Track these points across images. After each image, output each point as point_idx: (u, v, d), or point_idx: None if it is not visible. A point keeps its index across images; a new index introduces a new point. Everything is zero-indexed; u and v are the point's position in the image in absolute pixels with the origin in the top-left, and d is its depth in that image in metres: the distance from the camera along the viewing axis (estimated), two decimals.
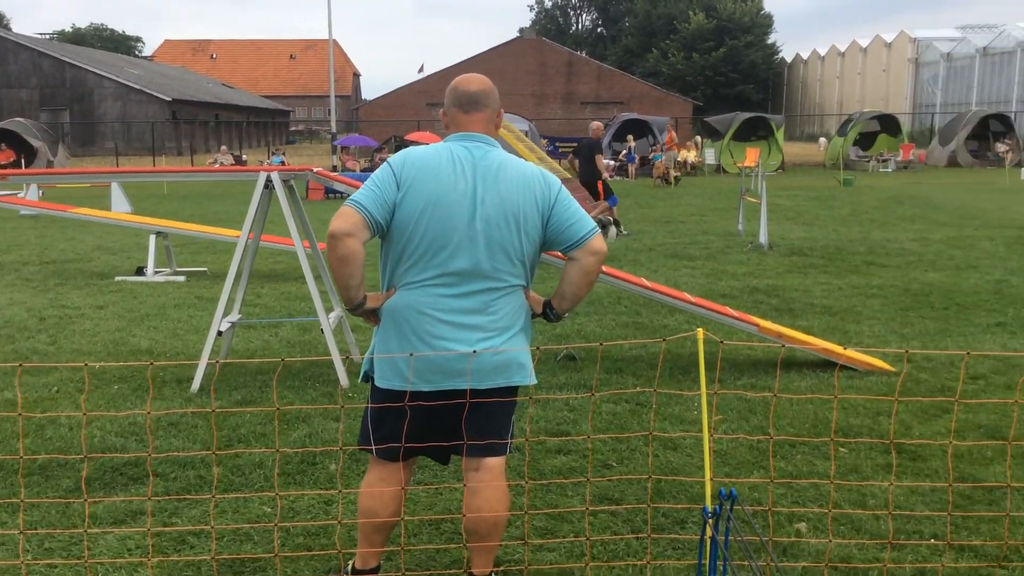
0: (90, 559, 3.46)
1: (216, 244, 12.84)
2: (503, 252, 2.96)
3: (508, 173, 2.98)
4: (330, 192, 21.24)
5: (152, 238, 10.28)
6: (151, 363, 5.05)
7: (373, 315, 3.05)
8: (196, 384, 5.65)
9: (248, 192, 6.15)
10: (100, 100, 41.94)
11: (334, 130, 33.58)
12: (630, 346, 6.60)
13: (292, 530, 3.72)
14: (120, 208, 17.35)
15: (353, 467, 4.38)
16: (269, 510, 3.93)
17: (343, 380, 5.73)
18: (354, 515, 3.81)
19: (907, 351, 6.12)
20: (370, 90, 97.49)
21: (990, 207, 16.91)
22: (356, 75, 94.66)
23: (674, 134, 28.72)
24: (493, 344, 2.97)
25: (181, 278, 9.97)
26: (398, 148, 30.97)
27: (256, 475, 4.30)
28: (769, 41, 65.92)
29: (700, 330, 3.10)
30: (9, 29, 61.11)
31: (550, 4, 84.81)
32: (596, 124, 14.87)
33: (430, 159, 2.96)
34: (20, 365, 4.90)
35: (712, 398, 5.12)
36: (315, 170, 6.21)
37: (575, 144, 32.85)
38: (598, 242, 3.02)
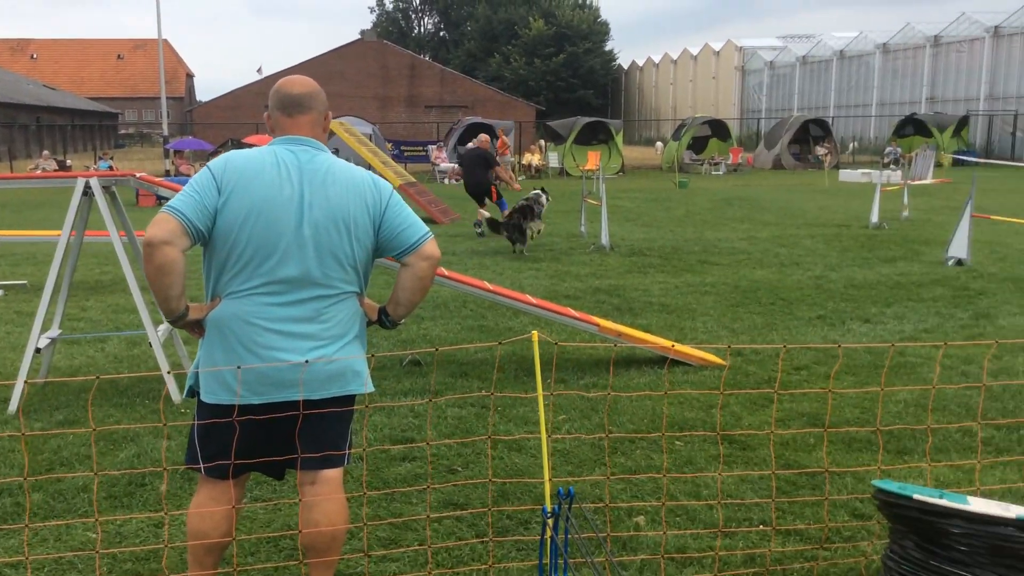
0: None
1: (37, 256, 12.06)
2: (334, 258, 2.89)
3: (337, 178, 2.91)
4: (162, 198, 20.26)
5: None
6: None
7: (197, 327, 2.92)
8: (13, 405, 5.26)
9: (67, 199, 5.78)
10: None
11: (166, 133, 32.15)
12: (475, 350, 6.62)
13: (119, 556, 3.51)
14: None
15: (185, 487, 4.19)
16: (94, 535, 3.70)
17: (175, 396, 5.48)
18: (184, 537, 3.65)
19: (729, 346, 6.43)
20: (205, 92, 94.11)
21: (811, 207, 18.02)
22: (189, 76, 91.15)
23: (506, 139, 29.04)
24: (326, 353, 2.89)
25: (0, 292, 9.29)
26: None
27: (80, 500, 4.05)
28: (607, 48, 68.04)
29: (535, 333, 3.14)
30: None
31: (391, 7, 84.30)
32: (484, 136, 15.54)
33: (253, 163, 2.86)
34: None
35: (550, 399, 5.20)
36: (138, 175, 5.90)
37: (421, 148, 32.88)
38: (431, 247, 2.99)
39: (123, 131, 68.29)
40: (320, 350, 2.88)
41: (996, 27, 35.93)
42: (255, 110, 41.55)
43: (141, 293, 5.63)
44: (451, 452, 4.62)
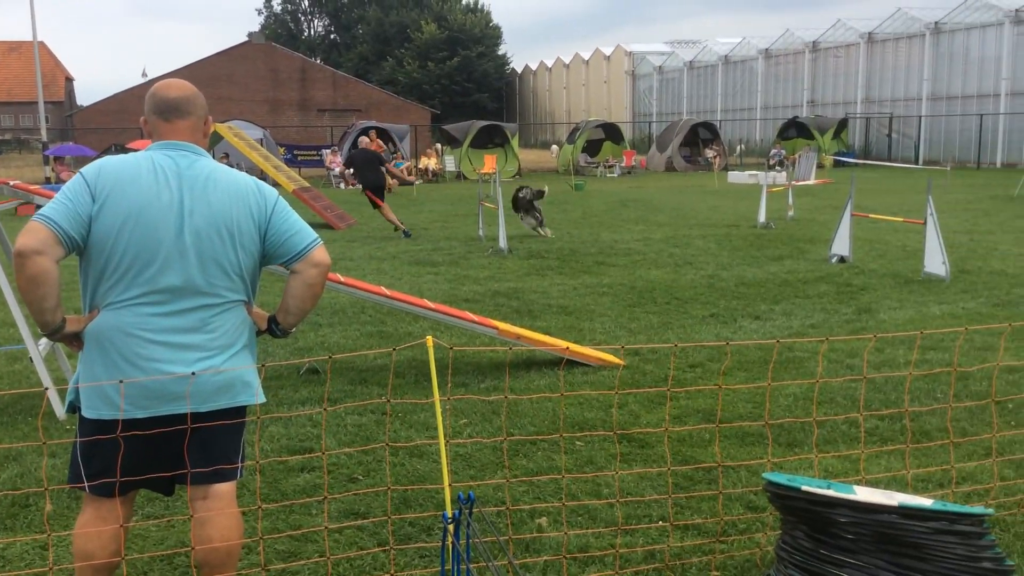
0: None
1: None
2: (218, 266, 2.82)
3: (219, 184, 2.84)
4: (40, 207, 19.34)
5: None
6: None
7: (75, 340, 2.81)
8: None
9: None
10: None
11: (45, 139, 30.75)
12: (374, 356, 6.56)
13: None
14: None
15: (72, 506, 4.01)
16: None
17: (59, 412, 5.24)
18: (72, 559, 3.50)
19: (623, 347, 6.55)
20: (86, 95, 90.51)
21: (702, 208, 18.53)
22: (69, 79, 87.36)
23: (379, 141, 28.85)
24: (214, 364, 2.81)
25: None
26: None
27: None
28: (500, 52, 68.39)
29: (429, 338, 3.12)
30: None
31: (280, 9, 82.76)
32: (370, 135, 17.33)
33: (128, 168, 2.76)
34: None
35: (449, 404, 5.20)
36: (11, 183, 5.63)
37: (315, 152, 32.35)
38: (320, 254, 2.95)
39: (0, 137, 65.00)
40: (207, 361, 2.80)
41: (870, 33, 37.72)
42: (139, 114, 40.14)
43: (19, 306, 5.37)
44: (351, 461, 4.56)
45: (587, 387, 5.70)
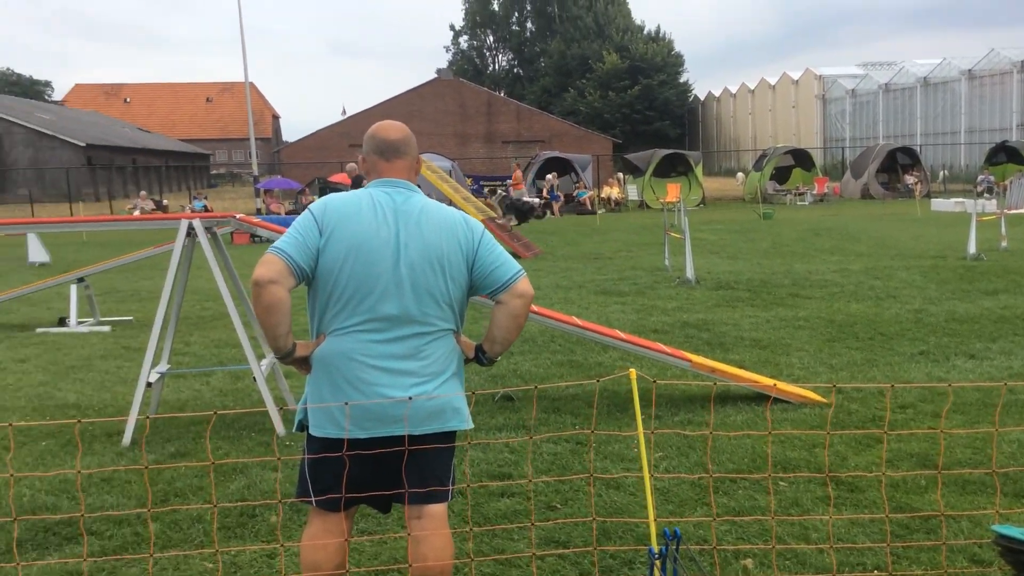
0: None
1: (141, 292, 12.57)
2: (430, 297, 2.96)
3: (431, 218, 3.00)
4: (255, 237, 20.84)
5: (73, 287, 9.97)
6: (79, 420, 4.85)
7: (304, 363, 3.02)
8: (127, 438, 5.48)
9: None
10: (11, 147, 40.67)
11: (256, 173, 33.17)
12: (566, 385, 6.64)
13: None
14: (38, 258, 16.82)
15: (295, 518, 4.29)
16: (211, 566, 3.82)
17: (279, 428, 5.62)
18: (298, 568, 3.74)
19: (834, 385, 6.29)
20: (290, 132, 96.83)
21: (904, 237, 17.57)
22: (275, 117, 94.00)
23: (519, 173, 29.09)
24: (426, 389, 2.95)
25: (106, 328, 9.69)
26: (322, 190, 30.77)
27: (195, 530, 4.18)
28: (681, 79, 67.84)
29: (632, 371, 3.15)
30: None
31: (466, 46, 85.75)
32: (351, 165, 17.82)
33: (350, 205, 2.96)
34: None
35: (650, 437, 5.17)
36: (238, 216, 6.12)
37: (500, 183, 33.21)
38: (524, 285, 3.04)
39: (214, 171, 70.67)
40: (420, 387, 2.95)
41: None
42: (339, 150, 42.65)
43: (244, 329, 5.82)
44: (549, 489, 4.63)
45: (788, 425, 5.53)
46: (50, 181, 39.98)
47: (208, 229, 5.81)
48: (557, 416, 5.94)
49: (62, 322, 9.92)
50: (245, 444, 5.46)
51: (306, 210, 3.00)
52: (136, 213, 26.57)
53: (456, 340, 3.09)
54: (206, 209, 28.09)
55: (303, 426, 3.06)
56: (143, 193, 31.60)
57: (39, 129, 41.32)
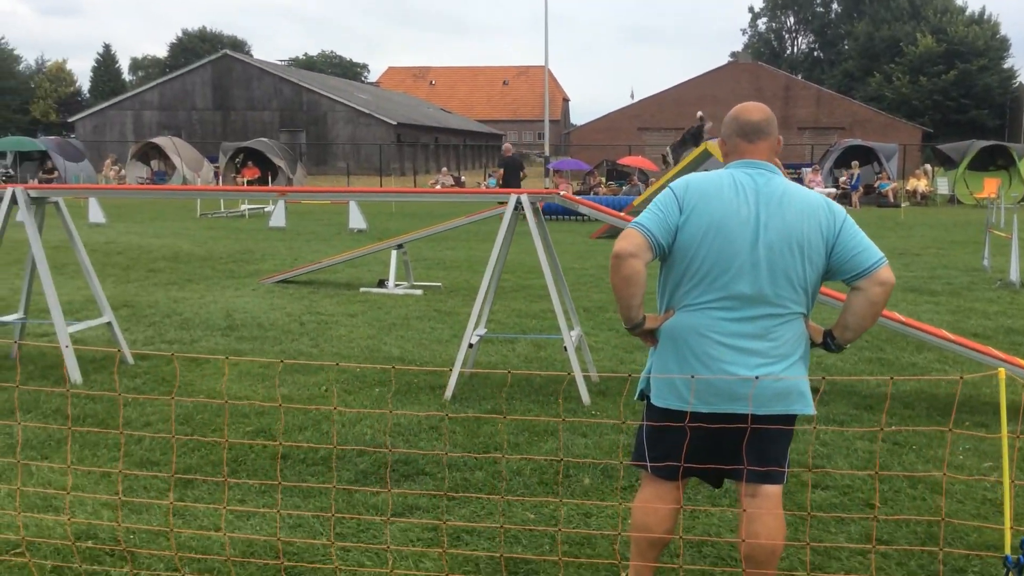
0: (379, 545, 3.74)
1: (445, 260, 13.49)
2: (786, 279, 2.96)
3: (792, 201, 2.98)
4: (563, 214, 21.47)
5: (393, 253, 10.90)
6: (409, 368, 5.35)
7: (650, 335, 3.12)
8: (449, 392, 5.95)
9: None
10: (333, 123, 45.02)
11: (547, 154, 34.25)
12: (876, 383, 6.34)
13: (557, 536, 3.85)
14: (356, 225, 18.53)
15: (605, 483, 4.47)
16: (532, 516, 4.09)
17: (585, 398, 5.85)
18: (611, 526, 3.91)
19: None
20: (577, 114, 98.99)
21: None
22: (565, 100, 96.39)
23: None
24: (773, 371, 2.96)
25: (418, 292, 10.52)
26: (609, 172, 31.23)
27: (516, 482, 4.49)
28: (1005, 66, 61.39)
29: (1001, 370, 2.96)
30: (250, 55, 66.64)
31: (764, 28, 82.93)
32: (507, 146, 21.26)
33: (711, 185, 3.01)
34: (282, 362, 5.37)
35: (1014, 441, 4.83)
36: (561, 193, 6.41)
37: (793, 170, 31.96)
38: (886, 273, 2.96)
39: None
40: (767, 367, 2.96)
41: None
42: (628, 133, 43.06)
43: (560, 300, 6.11)
44: (865, 486, 4.47)
45: None
46: (364, 156, 43.84)
47: (533, 204, 6.14)
48: (870, 413, 5.70)
49: (381, 284, 10.89)
50: (553, 409, 5.74)
51: (667, 188, 3.10)
52: (438, 187, 28.41)
53: (805, 324, 3.07)
54: (497, 185, 29.48)
55: (644, 395, 3.19)
56: (444, 169, 33.76)
57: (358, 108, 45.37)
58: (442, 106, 73.87)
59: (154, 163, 34.43)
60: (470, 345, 6.08)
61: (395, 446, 4.99)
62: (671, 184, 3.12)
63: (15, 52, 73.38)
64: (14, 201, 6.32)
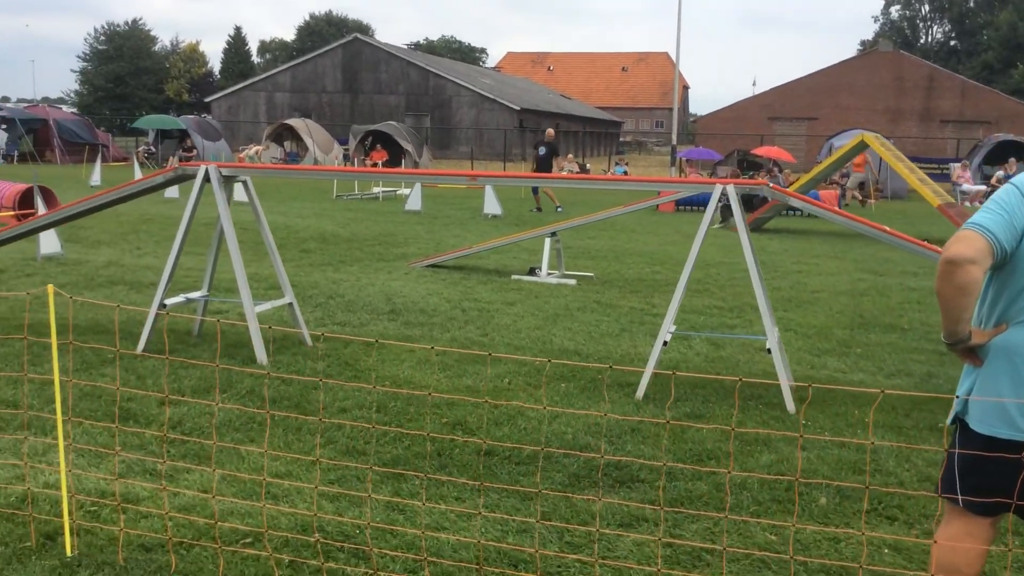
0: (612, 560, 3.50)
1: (590, 250, 13.20)
2: None
3: None
4: (681, 204, 21.03)
5: (547, 241, 10.68)
6: (610, 367, 5.11)
7: (973, 353, 2.76)
8: (641, 391, 5.67)
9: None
10: (458, 107, 45.22)
11: (675, 142, 33.55)
12: None
13: (810, 565, 3.53)
14: (492, 210, 18.44)
15: (843, 504, 4.12)
16: (773, 537, 3.77)
17: (790, 405, 5.49)
18: (881, 562, 3.56)
19: None
20: (696, 103, 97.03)
21: None
22: (685, 88, 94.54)
23: (867, 156, 25.11)
24: None
25: (572, 281, 10.27)
26: (739, 162, 30.34)
27: (743, 496, 4.18)
28: None
29: None
30: (375, 39, 67.63)
31: (897, 16, 79.36)
32: (550, 130, 21.50)
33: None
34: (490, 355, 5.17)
35: None
36: (770, 185, 6.03)
37: (936, 166, 30.37)
38: None
39: (621, 139, 73.00)
40: None
41: None
42: (757, 122, 41.79)
43: (765, 300, 5.75)
44: None
45: None
46: (487, 140, 43.89)
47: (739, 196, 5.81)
48: None
49: (532, 271, 10.68)
50: (757, 415, 5.39)
51: (1008, 184, 2.73)
52: (563, 173, 28.10)
53: None
54: (625, 174, 28.97)
55: (957, 419, 2.82)
56: (569, 156, 33.38)
57: (482, 93, 45.42)
58: (560, 92, 73.43)
59: (287, 144, 35.26)
60: (664, 343, 5.79)
61: (599, 448, 4.75)
62: (1013, 180, 2.73)
63: (152, 33, 76.38)
64: (206, 179, 6.34)
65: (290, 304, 6.80)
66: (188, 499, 3.94)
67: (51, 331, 3.36)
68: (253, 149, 32.46)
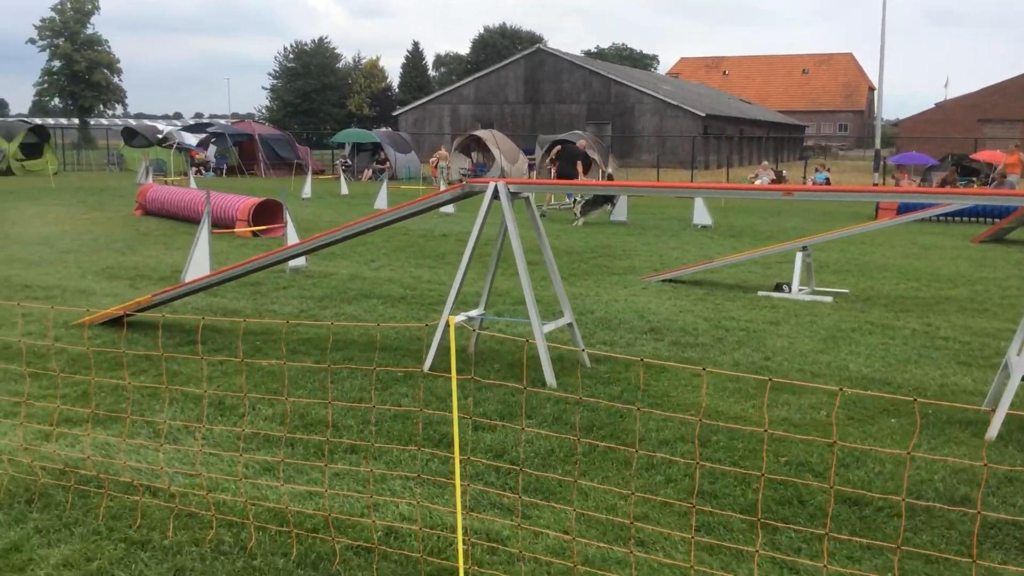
0: None
1: (827, 263, 12.37)
2: None
3: None
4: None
5: (798, 255, 10.02)
6: (981, 408, 4.48)
7: None
8: (993, 431, 5.01)
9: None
10: (640, 115, 44.61)
11: (878, 146, 31.67)
12: None
13: None
14: (701, 220, 17.81)
15: None
16: None
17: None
18: None
19: None
20: (885, 105, 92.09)
21: None
22: (871, 89, 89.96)
23: (1020, 155, 21.78)
24: None
25: (827, 299, 9.57)
26: (955, 167, 28.26)
27: None
28: None
29: None
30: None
31: None
32: (583, 141, 23.30)
33: None
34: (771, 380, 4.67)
35: None
36: None
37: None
38: None
39: (803, 144, 70.18)
40: None
41: None
42: (966, 125, 38.97)
43: None
44: None
45: None
46: (669, 148, 43.01)
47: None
48: None
49: (779, 287, 10.05)
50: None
51: None
52: (758, 183, 27.03)
53: None
54: (827, 182, 27.54)
55: None
56: (764, 164, 32.19)
57: (665, 99, 44.62)
58: (738, 96, 71.40)
59: (474, 155, 35.74)
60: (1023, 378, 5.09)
61: (975, 500, 4.15)
62: None
63: (336, 51, 79.77)
64: (495, 196, 6.17)
65: (570, 324, 6.54)
66: (553, 541, 3.65)
67: (451, 363, 3.14)
68: (435, 157, 32.99)
